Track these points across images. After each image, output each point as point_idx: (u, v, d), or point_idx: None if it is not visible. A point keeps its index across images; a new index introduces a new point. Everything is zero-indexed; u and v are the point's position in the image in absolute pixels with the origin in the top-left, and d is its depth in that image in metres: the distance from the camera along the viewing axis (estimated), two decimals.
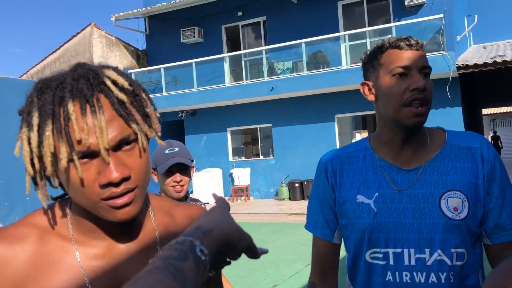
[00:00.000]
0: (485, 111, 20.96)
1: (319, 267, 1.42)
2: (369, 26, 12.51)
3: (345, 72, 11.56)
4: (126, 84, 0.76)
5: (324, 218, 1.37)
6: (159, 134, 0.81)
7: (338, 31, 12.82)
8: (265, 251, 0.75)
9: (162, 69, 14.18)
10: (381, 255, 1.25)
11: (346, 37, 12.15)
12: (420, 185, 1.23)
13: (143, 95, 0.80)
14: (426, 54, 1.27)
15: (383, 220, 1.24)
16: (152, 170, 2.06)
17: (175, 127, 14.86)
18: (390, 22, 12.25)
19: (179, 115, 14.56)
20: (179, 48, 15.26)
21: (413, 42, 1.23)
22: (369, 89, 1.30)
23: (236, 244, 0.69)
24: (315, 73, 12.01)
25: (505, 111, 23.58)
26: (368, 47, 11.67)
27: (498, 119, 25.31)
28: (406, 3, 11.80)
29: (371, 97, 1.29)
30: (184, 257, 0.60)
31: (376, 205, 1.25)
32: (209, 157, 14.42)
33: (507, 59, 9.81)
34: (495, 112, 23.77)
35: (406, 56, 1.21)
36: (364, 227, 1.25)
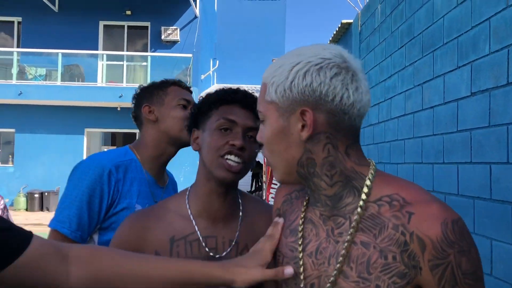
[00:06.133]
0: None
1: None
2: (127, 51, 13.39)
3: (100, 89, 12.08)
4: None
5: (86, 221, 1.37)
6: None
7: (97, 48, 13.24)
8: None
9: None
10: None
11: (105, 56, 12.74)
12: None
13: None
14: None
15: None
16: None
17: None
18: (147, 50, 13.40)
19: None
20: None
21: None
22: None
23: None
24: (69, 84, 12.15)
25: None
26: (125, 70, 12.54)
27: None
28: (162, 37, 13.17)
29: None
30: None
31: None
32: None
33: None
34: None
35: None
36: None
